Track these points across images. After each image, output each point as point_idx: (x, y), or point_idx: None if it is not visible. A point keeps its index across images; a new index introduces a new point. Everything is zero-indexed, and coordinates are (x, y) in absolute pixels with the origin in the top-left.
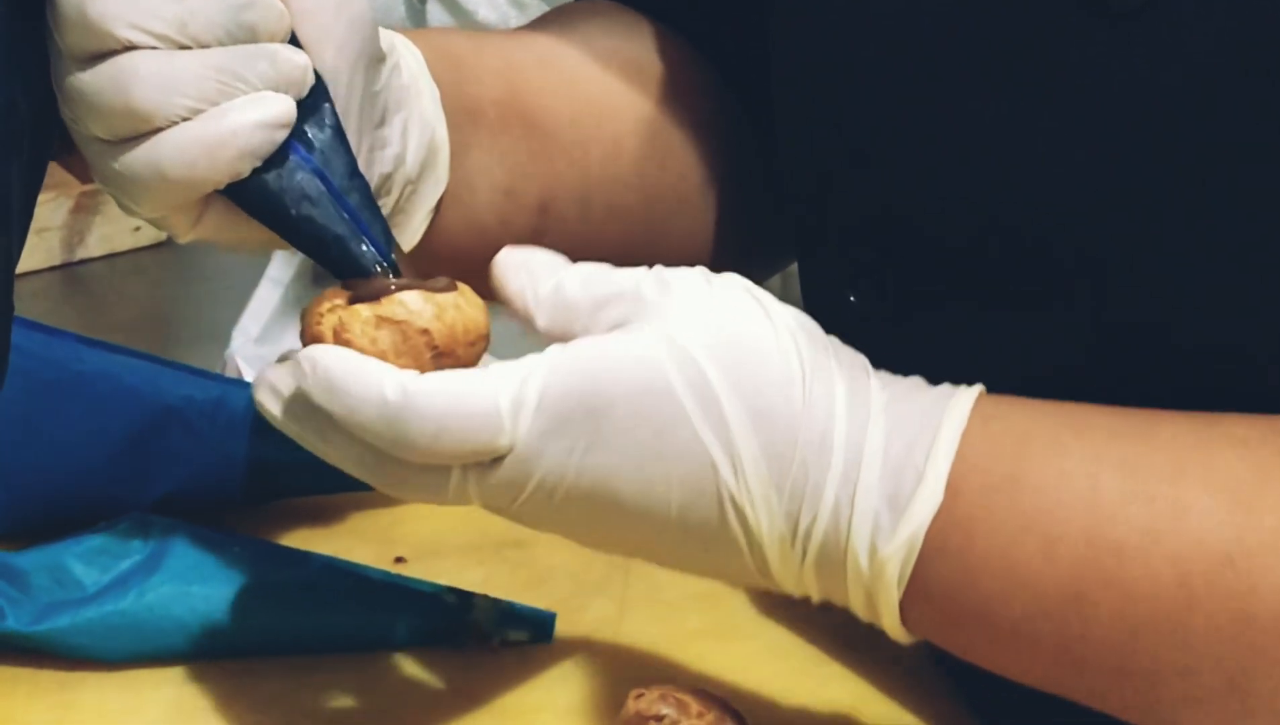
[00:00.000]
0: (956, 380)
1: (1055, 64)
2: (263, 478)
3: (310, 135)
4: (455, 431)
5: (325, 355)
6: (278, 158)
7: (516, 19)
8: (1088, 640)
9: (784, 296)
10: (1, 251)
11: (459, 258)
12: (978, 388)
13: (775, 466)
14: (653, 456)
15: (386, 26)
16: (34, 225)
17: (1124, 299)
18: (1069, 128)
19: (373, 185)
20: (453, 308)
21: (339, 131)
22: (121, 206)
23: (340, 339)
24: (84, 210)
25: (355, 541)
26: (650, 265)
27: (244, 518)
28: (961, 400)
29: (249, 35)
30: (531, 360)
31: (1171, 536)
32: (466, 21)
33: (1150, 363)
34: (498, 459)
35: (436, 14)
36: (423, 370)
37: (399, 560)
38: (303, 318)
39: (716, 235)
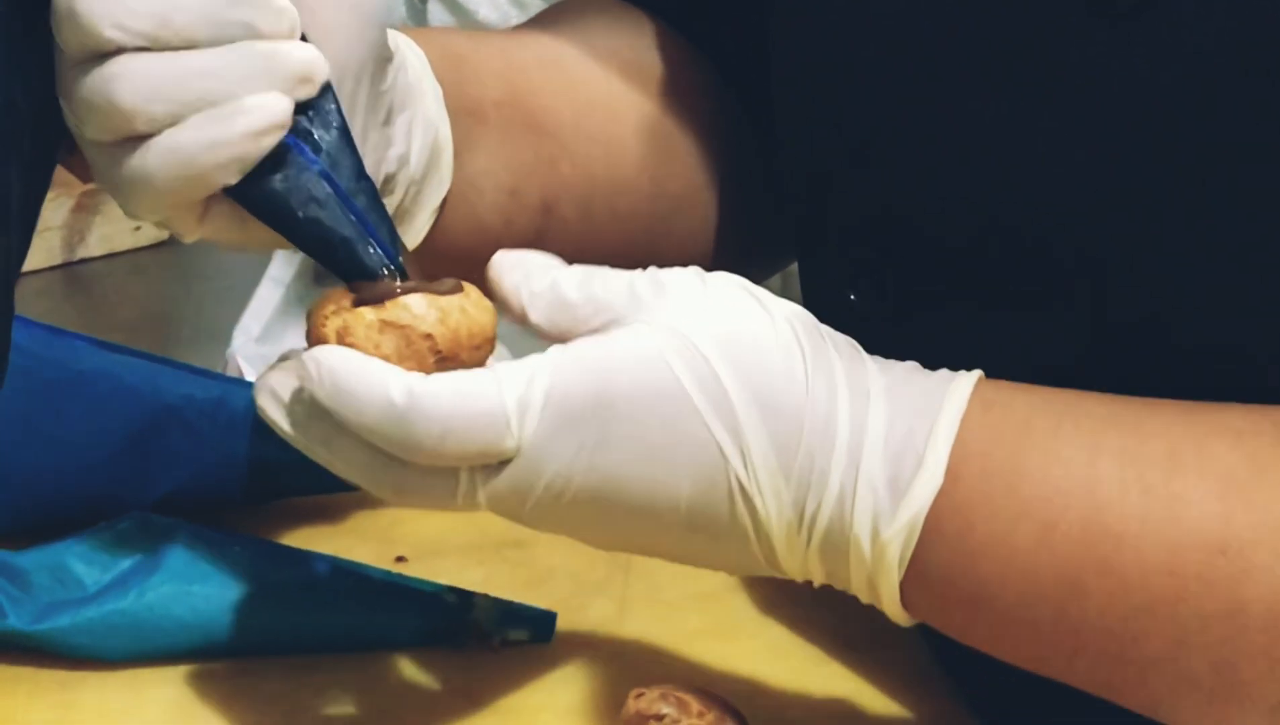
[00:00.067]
0: None
1: (1055, 64)
2: (263, 477)
3: (317, 136)
4: (461, 432)
5: (330, 356)
6: (283, 159)
7: (517, 18)
8: (1082, 625)
9: (784, 296)
10: (0, 252)
11: (462, 258)
12: (977, 373)
13: (783, 456)
14: (662, 453)
15: (388, 25)
16: None
17: (1124, 299)
18: (1069, 128)
19: (377, 185)
20: (457, 311)
21: (345, 132)
22: (123, 209)
23: (344, 342)
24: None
25: (356, 541)
26: (652, 265)
27: (244, 517)
28: (961, 385)
29: (244, 31)
30: (535, 360)
31: (1166, 525)
32: (467, 21)
33: (1150, 362)
34: (504, 462)
35: (438, 13)
36: (427, 374)
37: (400, 560)
38: (308, 317)
39: (717, 235)
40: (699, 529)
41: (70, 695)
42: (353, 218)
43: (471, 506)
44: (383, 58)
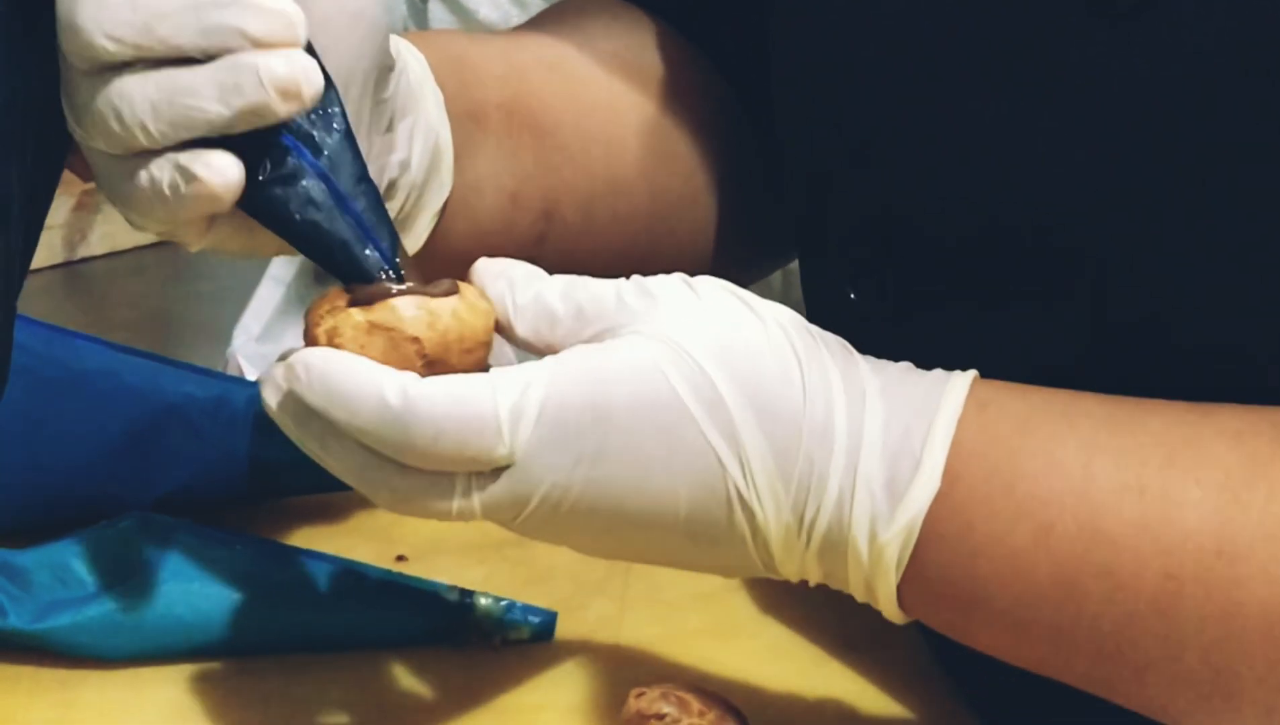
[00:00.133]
0: None
1: (1055, 64)
2: (264, 476)
3: (318, 139)
4: (453, 434)
5: (317, 358)
6: (282, 162)
7: (518, 18)
8: (1079, 627)
9: (784, 296)
10: (0, 252)
11: (463, 262)
12: (972, 373)
13: (782, 462)
14: (660, 463)
15: (390, 32)
16: None
17: (1124, 298)
18: (1069, 128)
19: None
20: (449, 315)
21: (348, 136)
22: (128, 220)
23: (332, 343)
24: (86, 208)
25: (356, 540)
26: (653, 267)
27: (245, 516)
28: (956, 385)
29: (234, 36)
30: (531, 368)
31: (1162, 527)
32: (468, 20)
33: (1149, 362)
34: (499, 470)
35: (438, 13)
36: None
37: (400, 559)
38: (305, 317)
39: (717, 235)
40: (698, 537)
41: (71, 694)
42: (350, 220)
43: (468, 515)
44: (385, 66)
